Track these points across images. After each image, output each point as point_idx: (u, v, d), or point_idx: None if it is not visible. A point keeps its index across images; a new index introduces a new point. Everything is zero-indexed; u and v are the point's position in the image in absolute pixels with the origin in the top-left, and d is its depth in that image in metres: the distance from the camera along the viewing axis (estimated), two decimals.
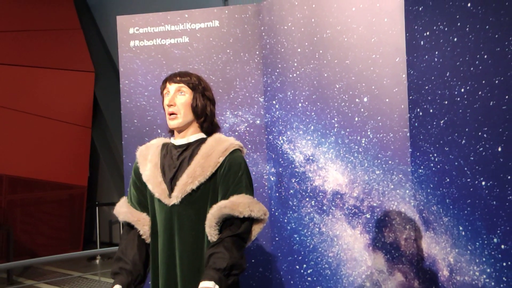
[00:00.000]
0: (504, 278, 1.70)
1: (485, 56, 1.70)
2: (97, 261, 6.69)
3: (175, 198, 1.76)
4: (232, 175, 1.77)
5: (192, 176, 1.76)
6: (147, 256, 1.87)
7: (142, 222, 1.86)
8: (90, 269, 6.31)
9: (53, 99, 6.97)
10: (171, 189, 1.79)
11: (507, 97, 1.61)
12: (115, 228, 7.81)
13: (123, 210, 1.90)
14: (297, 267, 2.69)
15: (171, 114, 1.82)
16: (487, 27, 1.69)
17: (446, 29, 1.94)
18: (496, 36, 1.64)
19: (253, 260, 2.82)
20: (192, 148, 1.84)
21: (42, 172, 6.89)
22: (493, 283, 1.76)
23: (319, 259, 2.61)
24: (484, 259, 1.79)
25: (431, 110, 2.08)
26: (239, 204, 1.71)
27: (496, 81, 1.66)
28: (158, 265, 1.83)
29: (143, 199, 1.90)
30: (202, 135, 1.88)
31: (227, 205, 1.70)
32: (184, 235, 1.76)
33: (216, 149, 1.80)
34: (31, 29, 6.99)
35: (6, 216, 6.70)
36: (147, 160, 1.89)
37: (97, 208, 7.30)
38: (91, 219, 7.93)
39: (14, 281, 5.76)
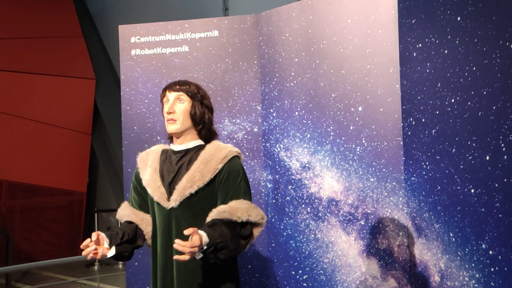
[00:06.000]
0: (492, 283, 1.75)
1: (474, 68, 1.77)
2: (96, 267, 6.71)
3: (174, 201, 1.82)
4: (231, 182, 1.84)
5: (191, 181, 1.82)
6: (138, 231, 1.89)
7: (146, 222, 1.92)
8: (88, 275, 6.33)
9: (53, 105, 7.03)
10: (169, 193, 1.85)
11: (494, 107, 1.67)
12: None
13: (127, 212, 1.96)
14: (293, 272, 2.73)
15: (170, 120, 1.88)
16: (475, 40, 1.75)
17: (437, 41, 2.00)
18: (484, 49, 1.71)
19: (249, 266, 2.86)
20: (190, 154, 1.89)
21: (41, 178, 6.93)
22: None
23: (314, 265, 2.65)
24: (473, 264, 1.84)
25: (423, 120, 2.14)
26: (237, 209, 1.77)
27: (484, 92, 1.72)
28: (157, 267, 1.88)
29: (144, 203, 1.96)
30: (201, 142, 1.94)
31: (226, 210, 1.76)
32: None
33: (215, 155, 1.86)
34: (33, 36, 7.07)
35: (5, 221, 6.73)
36: (147, 165, 1.95)
37: (96, 214, 7.33)
38: (89, 225, 7.95)
39: (13, 287, 5.78)
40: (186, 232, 1.55)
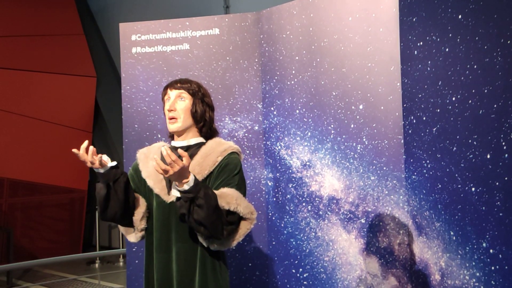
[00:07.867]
0: (492, 282, 1.75)
1: (475, 66, 1.76)
2: (96, 264, 6.73)
3: (174, 195, 1.82)
4: (227, 173, 1.83)
5: None
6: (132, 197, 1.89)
7: (141, 202, 1.90)
8: (89, 272, 6.35)
9: (54, 103, 7.04)
10: (170, 187, 1.85)
11: (495, 106, 1.67)
12: (114, 232, 7.85)
13: None
14: (293, 271, 2.73)
15: (171, 118, 1.89)
16: (476, 38, 1.75)
17: (438, 39, 2.00)
18: (485, 47, 1.70)
19: (250, 264, 2.86)
20: (191, 150, 1.90)
21: (42, 176, 6.94)
22: (482, 287, 1.81)
23: (315, 263, 2.65)
24: (473, 263, 1.84)
25: (424, 118, 2.14)
26: (227, 195, 1.74)
27: (485, 91, 1.72)
28: (152, 259, 1.88)
29: (138, 190, 1.96)
30: (202, 139, 1.94)
31: (216, 194, 1.73)
32: (182, 231, 1.82)
33: (215, 150, 1.87)
34: (34, 34, 7.07)
35: (6, 219, 6.74)
36: (149, 158, 1.96)
37: (97, 212, 7.33)
38: (91, 223, 7.96)
39: (14, 284, 5.79)
40: (180, 151, 1.59)
